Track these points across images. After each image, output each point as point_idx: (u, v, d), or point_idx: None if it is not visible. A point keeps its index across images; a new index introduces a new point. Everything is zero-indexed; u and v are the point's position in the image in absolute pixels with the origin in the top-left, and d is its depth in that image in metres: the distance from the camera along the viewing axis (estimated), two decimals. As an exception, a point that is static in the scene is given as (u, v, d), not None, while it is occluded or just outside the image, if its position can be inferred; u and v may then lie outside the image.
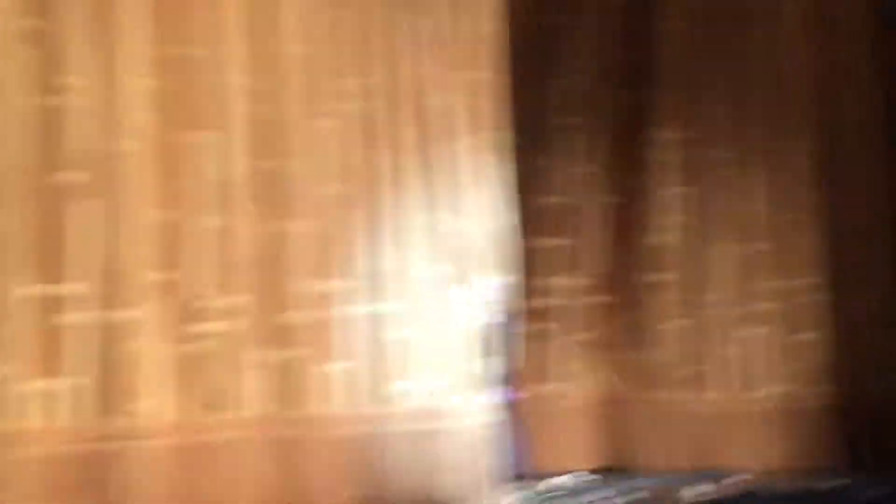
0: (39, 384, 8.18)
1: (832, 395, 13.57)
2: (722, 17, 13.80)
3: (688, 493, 10.90)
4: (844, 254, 13.79)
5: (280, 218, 9.26)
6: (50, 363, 8.20)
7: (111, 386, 8.29)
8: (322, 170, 9.52)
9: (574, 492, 11.33)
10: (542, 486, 10.75)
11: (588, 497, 10.75)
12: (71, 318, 8.28)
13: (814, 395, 13.58)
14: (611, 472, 13.24)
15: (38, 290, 8.26)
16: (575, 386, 13.42)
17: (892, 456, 13.19)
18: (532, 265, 13.16)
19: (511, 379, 10.30)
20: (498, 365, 10.13)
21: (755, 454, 13.33)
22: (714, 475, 12.53)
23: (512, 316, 10.06)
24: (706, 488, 10.83)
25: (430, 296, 9.81)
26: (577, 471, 12.43)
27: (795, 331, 13.67)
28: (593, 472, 12.99)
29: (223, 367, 8.84)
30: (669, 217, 13.69)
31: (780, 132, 13.84)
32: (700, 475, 12.28)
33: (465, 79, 10.43)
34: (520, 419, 10.00)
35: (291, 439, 9.04)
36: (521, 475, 9.87)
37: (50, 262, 8.27)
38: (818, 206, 13.84)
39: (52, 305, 8.27)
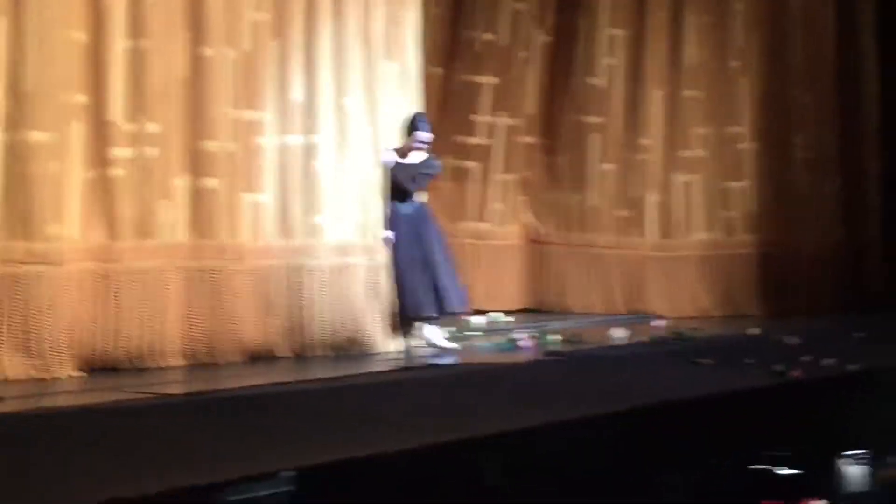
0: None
1: (760, 242, 13.71)
2: None
3: (602, 335, 10.96)
4: (776, 101, 13.80)
5: (198, 44, 9.06)
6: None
7: (25, 208, 8.14)
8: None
9: (486, 331, 11.37)
10: (457, 324, 10.75)
11: (497, 337, 10.79)
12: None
13: (742, 243, 13.71)
14: (536, 312, 13.39)
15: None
16: (499, 227, 13.46)
17: (820, 301, 13.38)
18: (458, 101, 13.09)
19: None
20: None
21: (682, 299, 13.48)
22: (636, 319, 12.66)
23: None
24: (620, 332, 10.89)
25: (342, 128, 9.67)
26: (495, 311, 12.51)
27: (725, 178, 13.75)
28: (517, 312, 13.13)
29: (140, 192, 8.71)
30: (602, 59, 13.61)
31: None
32: (620, 318, 12.39)
33: None
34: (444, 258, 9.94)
35: (209, 268, 8.96)
36: (442, 313, 9.82)
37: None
38: (755, 51, 13.81)
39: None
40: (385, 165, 9.84)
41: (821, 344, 10.11)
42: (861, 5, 13.99)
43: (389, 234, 9.81)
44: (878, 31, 13.95)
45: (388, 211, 9.87)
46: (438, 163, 10.37)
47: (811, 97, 13.78)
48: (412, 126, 10.01)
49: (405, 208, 9.98)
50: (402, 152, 10.00)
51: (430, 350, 9.89)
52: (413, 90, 10.32)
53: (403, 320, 9.93)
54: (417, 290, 9.80)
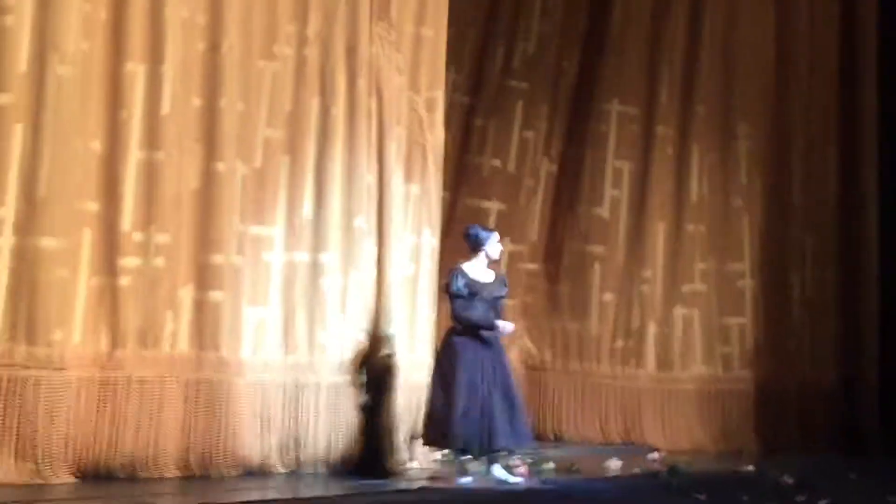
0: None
1: (756, 379, 13.71)
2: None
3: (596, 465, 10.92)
4: (776, 239, 13.91)
5: (211, 158, 9.19)
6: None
7: (32, 313, 8.19)
8: (255, 112, 9.44)
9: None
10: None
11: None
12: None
13: (738, 379, 13.71)
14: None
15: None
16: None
17: (815, 440, 13.35)
18: (463, 224, 13.13)
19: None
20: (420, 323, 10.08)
21: (678, 432, 13.43)
22: (631, 450, 12.59)
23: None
24: (615, 463, 10.86)
25: (350, 247, 9.72)
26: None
27: (724, 314, 13.79)
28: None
29: (145, 302, 8.76)
30: (608, 191, 13.74)
31: (726, 114, 13.94)
32: (615, 449, 12.33)
33: (406, 34, 10.33)
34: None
35: (208, 380, 8.98)
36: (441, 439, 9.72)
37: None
38: (757, 190, 13.95)
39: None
40: (456, 284, 9.18)
41: (815, 484, 10.07)
42: (864, 147, 14.13)
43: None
44: (881, 171, 14.09)
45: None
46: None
47: (811, 238, 13.89)
48: (476, 241, 9.40)
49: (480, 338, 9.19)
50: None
51: (424, 471, 9.80)
52: (433, 213, 10.43)
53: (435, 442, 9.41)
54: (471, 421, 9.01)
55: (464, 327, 9.19)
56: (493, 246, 9.42)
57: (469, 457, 9.27)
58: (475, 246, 9.37)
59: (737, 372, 13.69)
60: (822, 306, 13.82)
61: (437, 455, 10.07)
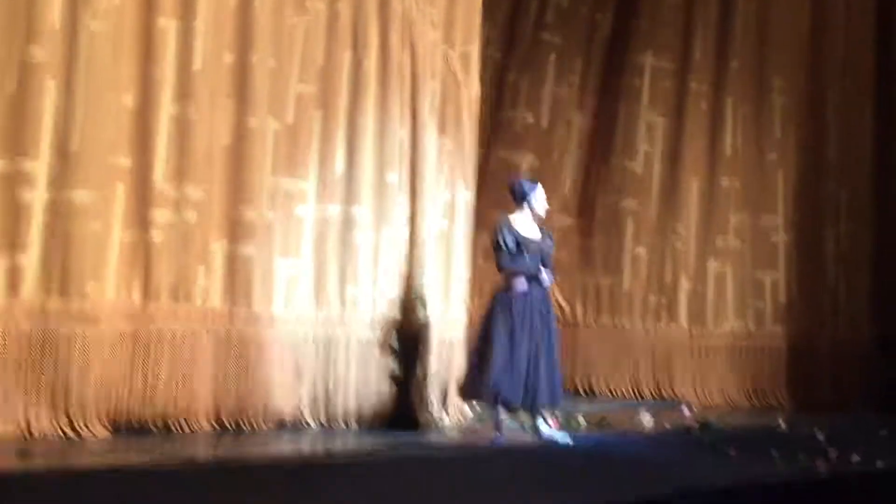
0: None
1: (789, 334, 13.68)
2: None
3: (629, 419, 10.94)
4: (811, 193, 13.83)
5: (243, 113, 9.18)
6: (10, 239, 8.14)
7: (66, 266, 8.23)
8: (287, 68, 9.41)
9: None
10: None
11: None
12: (27, 195, 8.15)
13: (771, 334, 13.68)
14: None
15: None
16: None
17: (847, 397, 13.32)
18: (495, 180, 13.13)
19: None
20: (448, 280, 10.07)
21: (711, 388, 13.44)
22: (663, 405, 12.61)
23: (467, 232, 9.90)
24: (647, 418, 10.86)
25: (382, 202, 9.70)
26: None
27: (757, 268, 13.74)
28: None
29: (177, 256, 8.79)
30: (641, 145, 13.69)
31: (761, 68, 13.84)
32: (647, 404, 12.36)
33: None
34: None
35: (240, 334, 9.00)
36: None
37: (11, 138, 8.17)
38: (791, 144, 13.87)
39: (12, 182, 8.15)
40: (503, 237, 9.02)
41: (847, 440, 10.06)
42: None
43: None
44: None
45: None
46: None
47: (846, 192, 13.80)
48: (522, 194, 9.24)
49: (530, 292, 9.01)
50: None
51: (458, 427, 9.83)
52: (468, 167, 10.40)
53: (477, 397, 9.28)
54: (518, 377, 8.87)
55: (510, 282, 9.04)
56: (539, 199, 9.27)
57: (507, 412, 9.18)
58: (520, 198, 9.22)
59: (769, 327, 13.65)
60: (857, 262, 13.73)
61: (471, 413, 10.10)
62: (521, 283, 8.97)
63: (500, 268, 9.11)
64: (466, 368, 9.39)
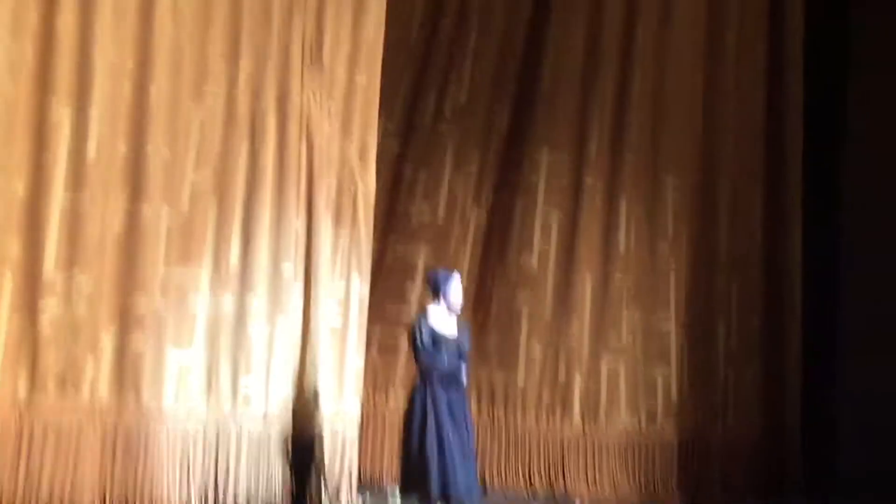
0: None
1: (680, 430, 13.73)
2: (608, 48, 13.95)
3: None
4: (703, 289, 13.97)
5: (136, 201, 9.07)
6: None
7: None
8: (182, 156, 9.37)
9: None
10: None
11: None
12: None
13: (663, 431, 13.72)
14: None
15: None
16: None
17: (737, 491, 13.40)
18: (391, 274, 13.12)
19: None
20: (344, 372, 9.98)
21: (606, 484, 13.40)
22: (557, 501, 12.57)
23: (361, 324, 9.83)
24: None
25: (277, 292, 9.64)
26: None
27: (650, 365, 13.80)
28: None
29: (66, 346, 8.63)
30: (537, 241, 13.72)
31: (653, 164, 14.01)
32: (540, 501, 12.30)
33: (339, 79, 10.31)
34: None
35: (128, 427, 8.86)
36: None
37: None
38: (683, 240, 14.01)
39: None
40: (419, 334, 8.95)
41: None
42: (789, 199, 14.29)
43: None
44: (805, 223, 14.25)
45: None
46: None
47: (736, 285, 13.96)
48: (436, 286, 9.20)
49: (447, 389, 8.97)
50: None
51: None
52: (363, 259, 10.36)
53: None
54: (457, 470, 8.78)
55: (430, 379, 8.93)
56: (455, 291, 9.15)
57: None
58: (434, 290, 9.17)
59: (661, 424, 13.69)
60: (747, 355, 13.89)
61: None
62: (438, 380, 8.90)
63: (417, 364, 9.03)
64: (402, 463, 9.14)
